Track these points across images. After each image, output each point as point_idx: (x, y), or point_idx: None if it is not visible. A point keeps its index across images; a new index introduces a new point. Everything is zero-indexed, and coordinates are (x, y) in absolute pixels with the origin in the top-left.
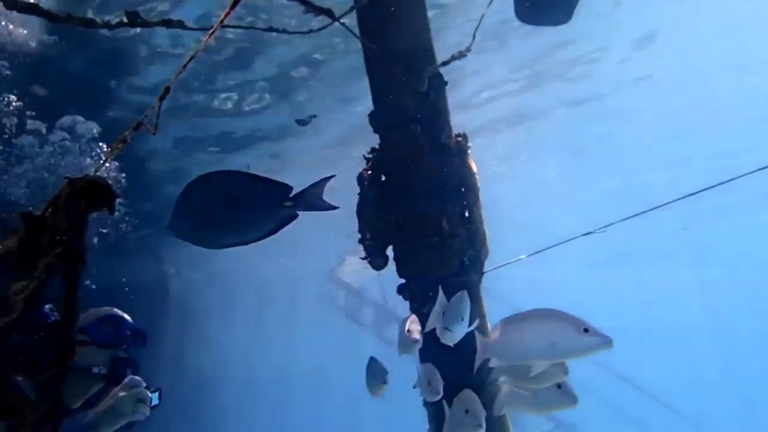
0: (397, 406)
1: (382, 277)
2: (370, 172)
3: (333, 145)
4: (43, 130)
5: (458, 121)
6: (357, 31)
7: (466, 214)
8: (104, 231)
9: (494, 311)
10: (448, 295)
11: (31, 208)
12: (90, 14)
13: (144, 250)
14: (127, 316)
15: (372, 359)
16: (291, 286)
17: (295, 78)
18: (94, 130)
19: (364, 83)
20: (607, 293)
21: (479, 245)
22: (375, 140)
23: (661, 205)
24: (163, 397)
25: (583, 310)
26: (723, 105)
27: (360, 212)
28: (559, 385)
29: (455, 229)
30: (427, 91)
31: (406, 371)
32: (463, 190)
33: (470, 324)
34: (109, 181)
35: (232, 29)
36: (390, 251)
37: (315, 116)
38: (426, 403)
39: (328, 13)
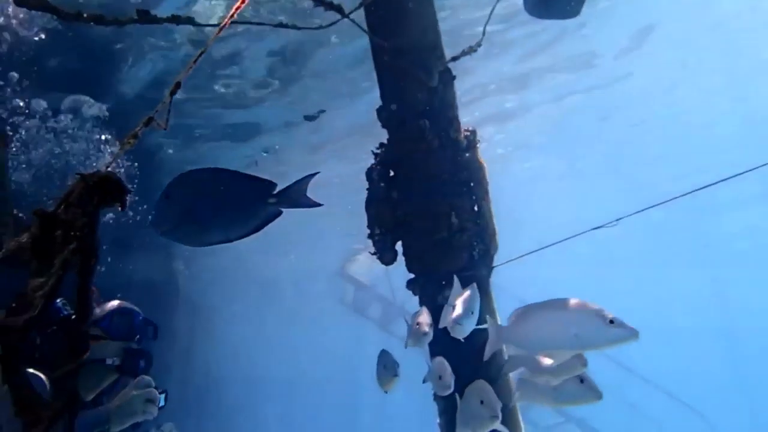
0: (401, 403)
1: (390, 273)
2: (378, 167)
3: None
4: (49, 113)
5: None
6: (365, 26)
7: (475, 209)
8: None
9: (503, 306)
10: (458, 290)
11: (49, 202)
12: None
13: (154, 246)
14: (138, 309)
15: (383, 351)
16: (300, 282)
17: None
18: (99, 111)
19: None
20: (613, 293)
21: (488, 240)
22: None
23: (671, 199)
24: (176, 392)
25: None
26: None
27: (369, 207)
28: (581, 379)
29: (464, 224)
30: (436, 85)
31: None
32: (472, 184)
33: (480, 318)
34: (121, 177)
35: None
36: (399, 246)
37: (323, 111)
38: (436, 397)
39: (338, 9)
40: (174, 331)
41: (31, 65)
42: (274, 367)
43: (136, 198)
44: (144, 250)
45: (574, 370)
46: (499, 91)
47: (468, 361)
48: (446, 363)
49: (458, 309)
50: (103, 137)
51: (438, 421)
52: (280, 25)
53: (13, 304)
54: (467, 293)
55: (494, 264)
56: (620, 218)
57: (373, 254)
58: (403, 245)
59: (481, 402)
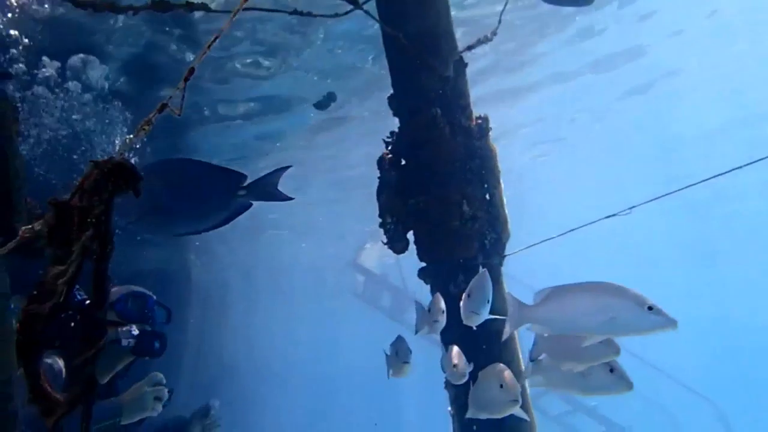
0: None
1: (401, 262)
2: (390, 155)
3: None
4: (55, 74)
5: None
6: (375, 13)
7: (487, 197)
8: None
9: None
10: (470, 279)
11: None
12: None
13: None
14: (151, 293)
15: (398, 338)
16: (311, 272)
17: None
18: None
19: None
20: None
21: (500, 228)
22: None
23: (683, 188)
24: (188, 380)
25: None
26: None
27: (380, 196)
28: (611, 369)
29: (476, 212)
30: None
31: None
32: (483, 172)
33: (492, 306)
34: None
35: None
36: (410, 235)
37: (333, 94)
38: (447, 385)
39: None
40: (186, 320)
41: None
42: (286, 356)
43: None
44: (155, 239)
45: (605, 357)
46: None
47: (480, 348)
48: (460, 351)
49: (473, 297)
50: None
51: (449, 409)
52: (295, 12)
53: (34, 292)
54: (481, 281)
55: (506, 252)
56: (633, 206)
57: (385, 244)
58: (415, 234)
59: (501, 386)
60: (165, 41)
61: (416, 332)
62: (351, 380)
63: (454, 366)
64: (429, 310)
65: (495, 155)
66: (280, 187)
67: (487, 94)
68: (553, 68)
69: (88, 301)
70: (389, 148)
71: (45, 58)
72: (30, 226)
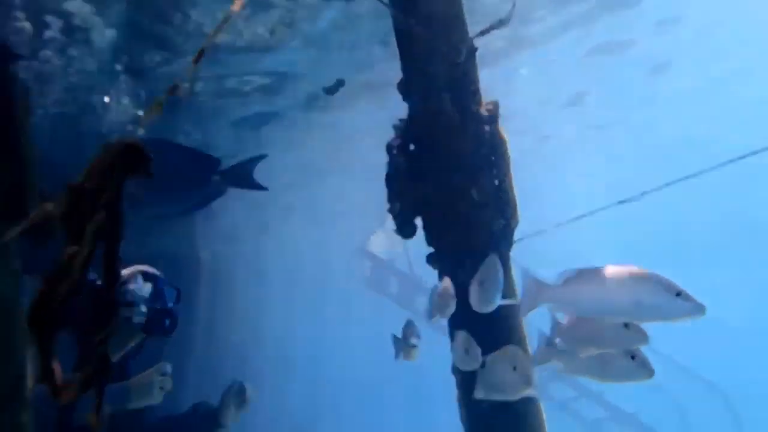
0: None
1: (409, 248)
2: (399, 141)
3: None
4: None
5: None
6: None
7: (496, 183)
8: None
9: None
10: (478, 266)
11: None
12: None
13: (174, 219)
14: (160, 274)
15: (408, 322)
16: (320, 258)
17: None
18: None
19: None
20: None
21: (510, 215)
22: None
23: (695, 174)
24: (197, 362)
25: None
26: None
27: (389, 181)
28: (633, 356)
29: (485, 198)
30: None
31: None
32: (493, 158)
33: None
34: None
35: None
36: (419, 221)
37: (342, 80)
38: (455, 370)
39: None
40: (195, 304)
41: None
42: (296, 340)
43: None
44: (165, 223)
45: (631, 344)
46: None
47: (487, 333)
48: (471, 337)
49: (486, 287)
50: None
51: (457, 393)
52: None
53: (51, 272)
54: (493, 270)
55: (515, 239)
56: (645, 192)
57: (395, 231)
58: (423, 220)
59: (514, 368)
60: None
61: (430, 318)
62: (356, 365)
63: (466, 351)
64: (439, 297)
65: (505, 141)
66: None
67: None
68: None
69: (99, 282)
70: (398, 133)
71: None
72: (42, 208)
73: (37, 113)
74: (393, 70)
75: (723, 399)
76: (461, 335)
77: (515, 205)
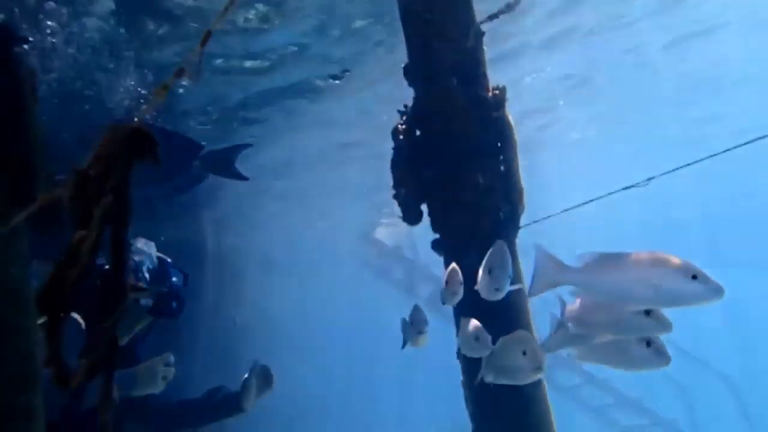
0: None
1: (414, 235)
2: (404, 126)
3: None
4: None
5: None
6: None
7: (503, 169)
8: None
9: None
10: (484, 252)
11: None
12: None
13: (181, 205)
14: (168, 258)
15: (416, 307)
16: (326, 246)
17: None
18: None
19: None
20: None
21: (516, 200)
22: None
23: (705, 158)
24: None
25: None
26: None
27: (394, 167)
28: (648, 343)
29: (491, 184)
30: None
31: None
32: (500, 144)
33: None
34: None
35: None
36: (424, 207)
37: (348, 71)
38: (459, 355)
39: None
40: (201, 289)
41: None
42: (299, 322)
43: None
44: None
45: (655, 331)
46: None
47: (493, 320)
48: (479, 323)
49: (496, 275)
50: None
51: (462, 378)
52: None
53: (62, 257)
54: (502, 257)
55: (521, 225)
56: (652, 177)
57: (401, 218)
58: (429, 205)
59: (524, 353)
60: None
61: (443, 304)
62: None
63: (476, 339)
64: (447, 283)
65: (512, 126)
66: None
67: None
68: None
69: (107, 266)
70: (404, 118)
71: None
72: (49, 193)
73: (41, 88)
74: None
75: (726, 382)
76: (471, 322)
77: (522, 191)
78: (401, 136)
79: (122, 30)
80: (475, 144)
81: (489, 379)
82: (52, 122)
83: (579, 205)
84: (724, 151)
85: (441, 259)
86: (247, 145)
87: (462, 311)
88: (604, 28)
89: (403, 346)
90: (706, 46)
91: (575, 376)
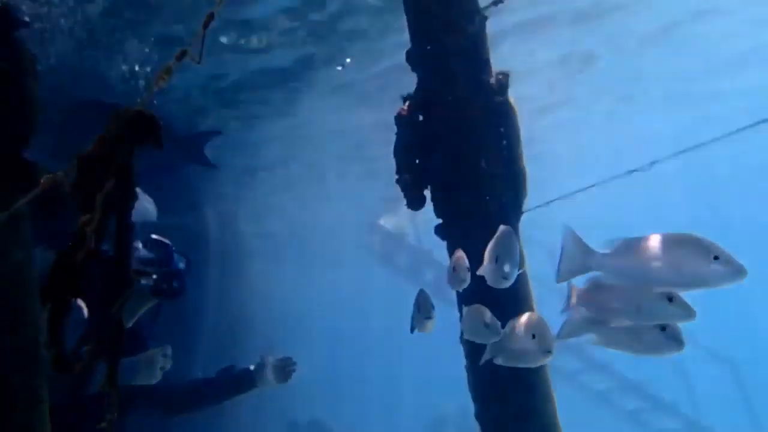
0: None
1: (418, 221)
2: (407, 111)
3: None
4: None
5: None
6: None
7: (506, 154)
8: None
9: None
10: (487, 236)
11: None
12: None
13: (183, 191)
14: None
15: (421, 292)
16: (330, 233)
17: None
18: None
19: None
20: None
21: (518, 186)
22: None
23: (709, 141)
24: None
25: None
26: None
27: (397, 153)
28: (663, 327)
29: (494, 169)
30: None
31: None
32: (503, 129)
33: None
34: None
35: None
36: (427, 192)
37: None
38: (463, 340)
39: None
40: (205, 277)
41: None
42: (307, 311)
43: None
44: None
45: (679, 319)
46: None
47: (496, 306)
48: (487, 309)
49: (503, 262)
50: None
51: (465, 363)
52: None
53: (65, 242)
54: (509, 244)
55: (523, 210)
56: (655, 161)
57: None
58: (432, 191)
59: (533, 336)
60: None
61: (453, 289)
62: (365, 334)
63: (486, 325)
64: (454, 269)
65: (515, 112)
66: None
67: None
68: None
69: (110, 251)
70: (407, 104)
71: None
72: (51, 175)
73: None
74: None
75: (731, 370)
76: (479, 308)
77: (525, 177)
78: (404, 122)
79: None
80: (478, 129)
81: (498, 361)
82: (53, 100)
83: (583, 189)
84: (728, 135)
85: (443, 246)
86: (216, 132)
87: (465, 297)
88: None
89: (412, 331)
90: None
91: (577, 360)
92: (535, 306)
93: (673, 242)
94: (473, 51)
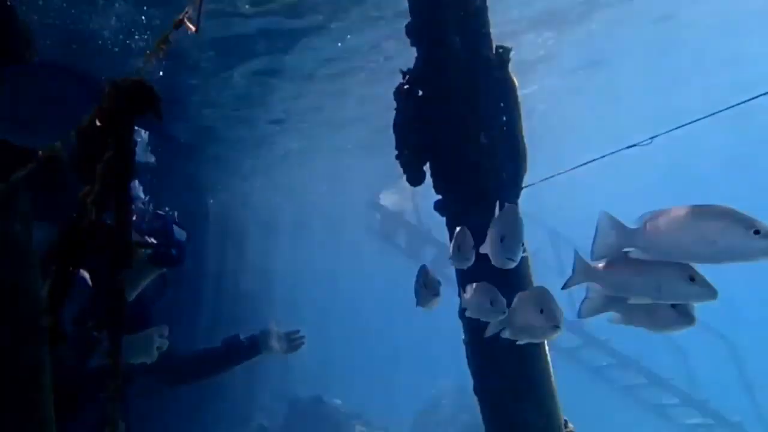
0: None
1: (417, 199)
2: (406, 86)
3: None
4: None
5: None
6: None
7: (506, 129)
8: None
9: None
10: (487, 213)
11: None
12: None
13: (183, 170)
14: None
15: (423, 268)
16: (330, 211)
17: None
18: None
19: None
20: None
21: (519, 161)
22: None
23: (715, 113)
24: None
25: None
26: None
27: (396, 128)
28: (674, 305)
29: (494, 145)
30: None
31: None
32: (503, 104)
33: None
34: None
35: None
36: (427, 168)
37: None
38: (461, 315)
39: None
40: (204, 256)
41: None
42: (302, 288)
43: None
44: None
45: (700, 299)
46: None
47: (496, 284)
48: (493, 287)
49: (508, 243)
50: None
51: (463, 337)
52: None
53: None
54: (514, 224)
55: (523, 185)
56: (655, 135)
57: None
58: (431, 166)
59: (541, 311)
60: None
61: (457, 267)
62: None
63: (491, 303)
64: (458, 248)
65: (516, 86)
66: None
67: None
68: None
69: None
70: (406, 78)
71: None
72: (49, 146)
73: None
74: None
75: (728, 348)
76: (485, 286)
77: (525, 152)
78: (404, 96)
79: None
80: (478, 104)
81: (505, 335)
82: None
83: (583, 165)
84: (729, 108)
85: (443, 224)
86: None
87: (465, 273)
88: None
89: (417, 306)
90: None
91: (576, 337)
92: (533, 283)
93: (709, 214)
94: (473, 25)
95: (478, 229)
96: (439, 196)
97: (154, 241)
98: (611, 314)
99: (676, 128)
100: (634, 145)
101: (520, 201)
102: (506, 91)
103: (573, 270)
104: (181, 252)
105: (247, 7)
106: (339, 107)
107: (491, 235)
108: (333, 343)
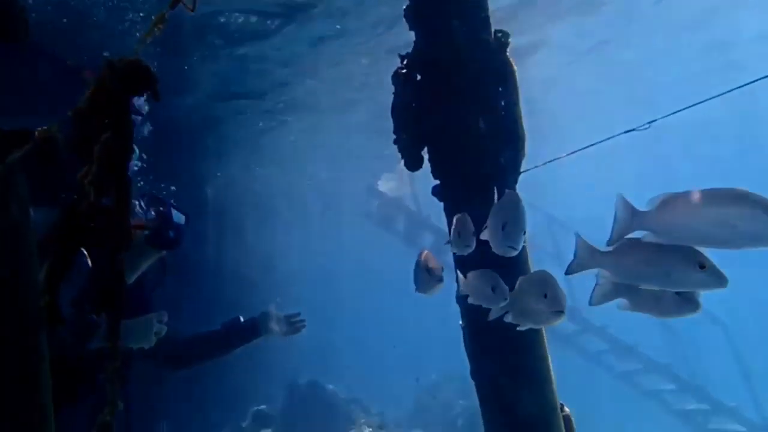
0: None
1: (415, 184)
2: (405, 70)
3: None
4: None
5: None
6: None
7: (504, 114)
8: None
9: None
10: (485, 198)
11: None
12: None
13: (182, 156)
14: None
15: (428, 254)
16: (329, 197)
17: None
18: None
19: None
20: None
21: (517, 146)
22: None
23: (711, 98)
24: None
25: None
26: None
27: (394, 112)
28: (678, 292)
29: (492, 129)
30: None
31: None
32: (501, 89)
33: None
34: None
35: None
36: (425, 153)
37: None
38: (458, 300)
39: None
40: (203, 241)
41: None
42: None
43: None
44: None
45: (710, 286)
46: None
47: (496, 267)
48: (495, 274)
49: (510, 231)
50: None
51: (460, 323)
52: None
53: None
54: (516, 211)
55: (521, 170)
56: (654, 120)
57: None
58: (429, 151)
59: (545, 296)
60: None
61: (457, 253)
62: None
63: (493, 289)
64: (459, 235)
65: (514, 71)
66: None
67: None
68: None
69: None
70: (404, 62)
71: None
72: (45, 131)
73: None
74: None
75: (726, 335)
76: (487, 273)
77: (523, 137)
78: (402, 81)
79: None
80: (476, 88)
81: (508, 319)
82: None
83: (581, 150)
84: (727, 92)
85: (441, 211)
86: None
87: (463, 259)
88: None
89: (418, 290)
90: None
91: (573, 324)
92: (532, 268)
93: (726, 198)
94: (472, 8)
95: (476, 215)
96: (437, 181)
97: (149, 223)
98: (618, 301)
99: (674, 113)
100: (632, 130)
101: (518, 186)
102: (505, 75)
103: (575, 255)
104: (179, 234)
105: None
106: (339, 92)
107: (492, 222)
108: (332, 329)
